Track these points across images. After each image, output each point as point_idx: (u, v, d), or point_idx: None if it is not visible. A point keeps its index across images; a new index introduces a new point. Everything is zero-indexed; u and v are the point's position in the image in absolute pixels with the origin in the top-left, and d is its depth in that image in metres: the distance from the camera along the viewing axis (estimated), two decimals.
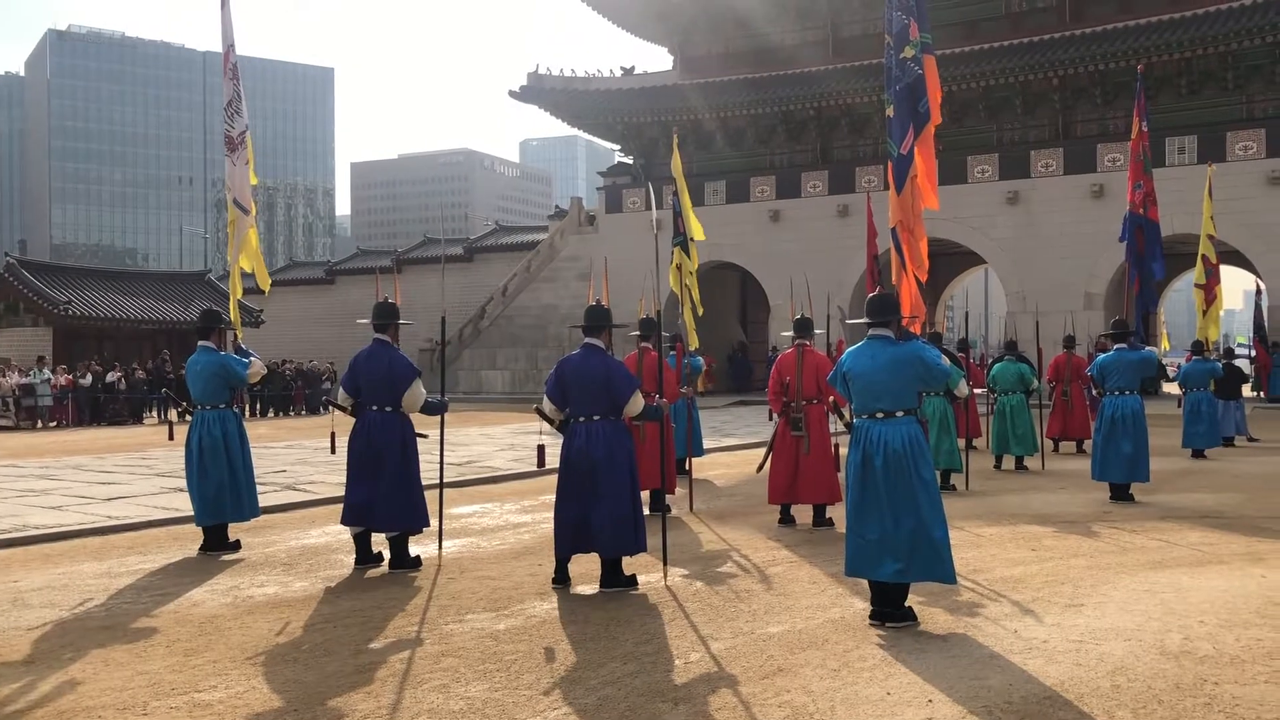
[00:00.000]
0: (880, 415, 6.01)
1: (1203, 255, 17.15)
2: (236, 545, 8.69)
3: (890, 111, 7.71)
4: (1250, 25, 29.57)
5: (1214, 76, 31.49)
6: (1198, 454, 16.03)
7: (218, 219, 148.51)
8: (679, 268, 12.86)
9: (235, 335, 9.30)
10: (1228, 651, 5.37)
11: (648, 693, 4.87)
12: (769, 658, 5.39)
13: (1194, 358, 17.14)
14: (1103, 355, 11.92)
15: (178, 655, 5.62)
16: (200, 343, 8.83)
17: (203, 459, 8.55)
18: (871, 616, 5.99)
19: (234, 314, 9.52)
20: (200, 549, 8.57)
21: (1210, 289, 17.10)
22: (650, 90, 39.90)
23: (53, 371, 28.42)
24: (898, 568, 5.85)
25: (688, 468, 11.64)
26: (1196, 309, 17.24)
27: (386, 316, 8.14)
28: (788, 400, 9.71)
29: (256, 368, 8.97)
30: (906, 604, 6.00)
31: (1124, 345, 11.31)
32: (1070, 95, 33.84)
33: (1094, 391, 12.30)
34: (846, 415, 6.35)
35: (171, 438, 9.63)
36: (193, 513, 8.76)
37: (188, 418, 8.86)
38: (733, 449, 17.82)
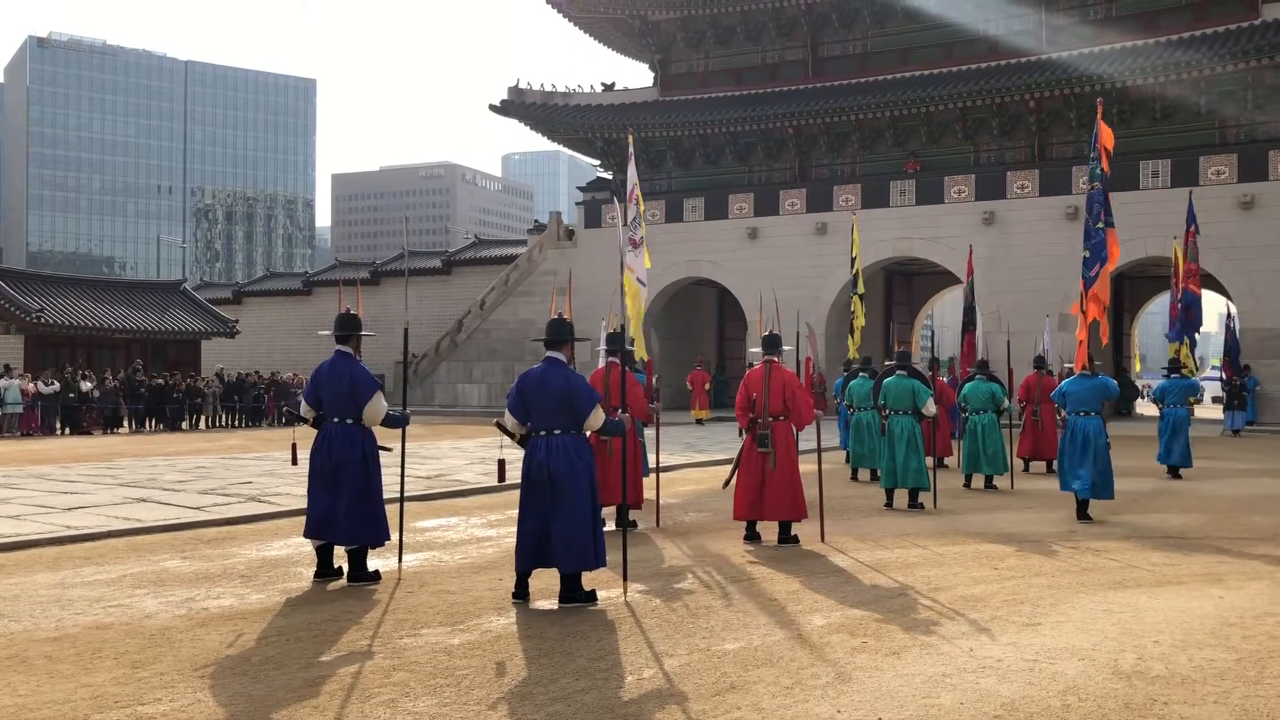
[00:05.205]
0: (1084, 413, 11.37)
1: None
2: None
3: (1086, 253, 11.87)
4: (1223, 52, 29.93)
5: (1187, 102, 31.80)
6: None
7: (195, 228, 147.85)
8: (852, 311, 18.37)
9: (644, 362, 12.98)
10: (1180, 672, 5.38)
11: (597, 709, 4.83)
12: (722, 674, 5.36)
13: (1172, 375, 17.68)
14: (1161, 382, 17.13)
15: (125, 667, 5.54)
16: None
17: None
18: (1079, 517, 11.21)
19: (641, 352, 12.55)
20: None
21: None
22: (629, 106, 40.01)
23: (23, 379, 28.10)
24: (1087, 489, 11.20)
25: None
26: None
27: (348, 328, 8.10)
28: (754, 416, 9.71)
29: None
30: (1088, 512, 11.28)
31: (1177, 374, 16.83)
32: (1046, 118, 34.11)
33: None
34: (1063, 414, 11.66)
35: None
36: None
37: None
38: (702, 465, 17.80)
